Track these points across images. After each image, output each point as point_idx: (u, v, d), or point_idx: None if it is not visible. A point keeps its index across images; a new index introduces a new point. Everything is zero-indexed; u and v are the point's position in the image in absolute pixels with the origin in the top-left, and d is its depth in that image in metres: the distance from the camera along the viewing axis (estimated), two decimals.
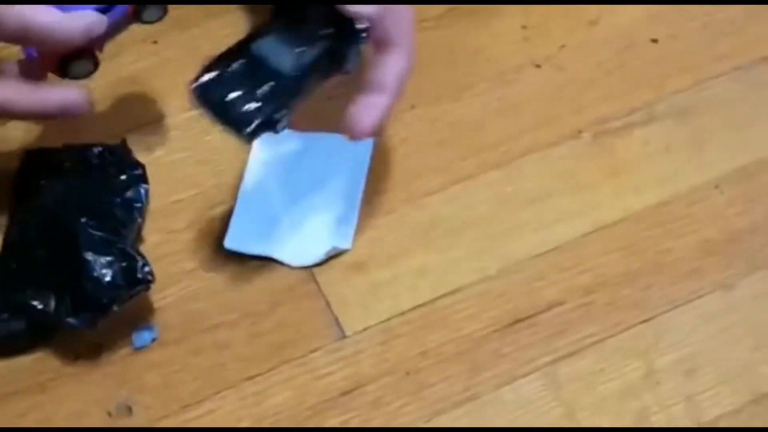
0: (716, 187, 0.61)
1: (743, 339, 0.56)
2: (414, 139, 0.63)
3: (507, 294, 0.57)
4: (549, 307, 0.57)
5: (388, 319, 0.57)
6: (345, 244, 0.59)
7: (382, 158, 0.62)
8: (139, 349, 0.56)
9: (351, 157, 0.61)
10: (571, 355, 0.55)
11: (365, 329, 0.56)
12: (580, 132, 0.63)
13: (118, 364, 0.55)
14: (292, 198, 0.60)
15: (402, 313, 0.57)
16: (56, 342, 0.56)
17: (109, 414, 0.54)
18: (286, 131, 0.54)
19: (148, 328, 0.56)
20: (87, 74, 0.57)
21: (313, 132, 0.62)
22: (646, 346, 0.56)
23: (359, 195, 0.60)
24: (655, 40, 0.66)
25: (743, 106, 0.63)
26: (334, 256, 0.58)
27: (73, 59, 0.56)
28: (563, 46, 0.66)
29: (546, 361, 0.55)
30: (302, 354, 0.55)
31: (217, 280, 0.58)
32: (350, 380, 0.55)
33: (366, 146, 0.61)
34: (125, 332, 0.56)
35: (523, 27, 0.67)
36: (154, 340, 0.56)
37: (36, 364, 0.55)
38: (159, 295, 0.57)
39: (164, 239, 0.59)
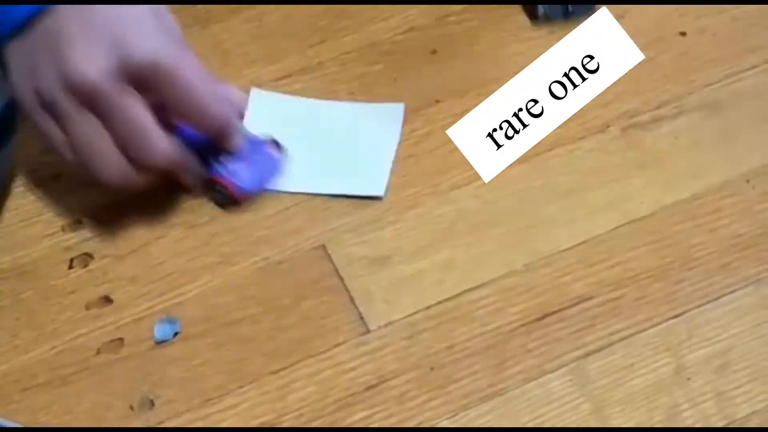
0: (747, 181, 0.60)
1: None
2: (438, 134, 0.62)
3: (534, 288, 0.56)
4: (577, 302, 0.56)
5: (413, 314, 0.56)
6: (378, 190, 0.59)
7: (406, 153, 0.61)
8: (161, 343, 0.55)
9: (383, 118, 0.62)
10: (600, 350, 0.54)
11: (389, 324, 0.55)
12: (607, 126, 0.62)
13: (140, 358, 0.55)
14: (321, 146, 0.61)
15: (427, 308, 0.56)
16: (77, 336, 0.55)
17: (132, 407, 0.53)
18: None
19: (171, 321, 0.56)
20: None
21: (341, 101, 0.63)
22: (677, 342, 0.54)
23: (392, 153, 0.61)
24: (683, 33, 0.65)
25: None
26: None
27: None
28: None
29: (574, 357, 0.54)
30: (326, 348, 0.55)
31: (240, 274, 0.57)
32: (375, 375, 0.54)
33: (397, 109, 0.62)
34: (147, 326, 0.56)
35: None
36: (176, 334, 0.55)
37: (57, 358, 0.55)
38: (182, 290, 0.57)
39: (187, 234, 0.59)
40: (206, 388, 0.54)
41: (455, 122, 0.62)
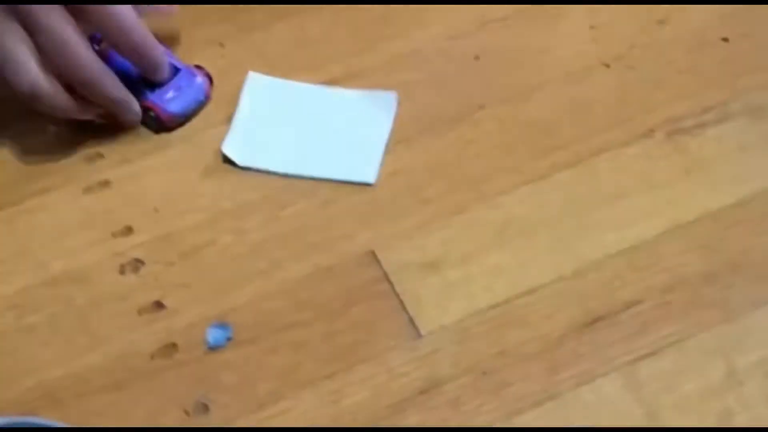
0: None
1: None
2: (483, 140, 0.62)
3: (584, 294, 0.57)
4: (627, 307, 0.56)
5: (464, 319, 0.56)
6: (370, 177, 0.61)
7: (451, 158, 0.62)
8: (214, 349, 0.56)
9: (377, 106, 0.63)
10: (651, 354, 0.55)
11: (440, 328, 0.56)
12: (652, 131, 0.62)
13: (193, 363, 0.55)
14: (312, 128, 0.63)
15: (478, 313, 0.56)
16: (130, 341, 0.56)
17: (186, 412, 0.54)
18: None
19: (223, 327, 0.56)
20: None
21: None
22: (728, 347, 0.55)
23: (384, 141, 0.62)
24: (726, 39, 0.66)
25: None
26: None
27: None
28: (633, 46, 0.66)
29: (625, 361, 0.54)
30: (378, 353, 0.55)
31: (290, 279, 0.58)
32: (427, 380, 0.54)
33: (390, 97, 0.63)
34: (200, 332, 0.56)
35: (591, 27, 0.67)
36: (229, 339, 0.56)
37: (111, 363, 0.55)
38: (233, 295, 0.57)
39: (236, 240, 0.59)
40: (260, 393, 0.54)
41: (500, 128, 0.63)
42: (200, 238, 0.59)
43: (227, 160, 0.62)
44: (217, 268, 0.58)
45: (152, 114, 0.63)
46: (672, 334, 0.55)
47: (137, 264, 0.59)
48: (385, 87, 0.64)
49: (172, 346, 0.56)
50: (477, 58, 0.66)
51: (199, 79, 0.64)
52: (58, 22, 0.58)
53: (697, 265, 0.57)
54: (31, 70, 0.58)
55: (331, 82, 0.65)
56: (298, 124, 0.63)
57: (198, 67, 0.65)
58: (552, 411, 0.53)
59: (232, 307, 0.57)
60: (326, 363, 0.55)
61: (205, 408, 0.54)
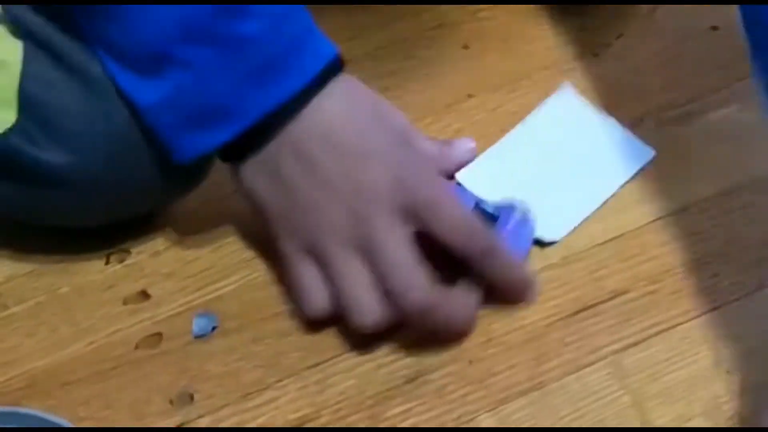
0: None
1: None
2: (471, 129, 0.62)
3: (570, 282, 0.56)
4: (614, 296, 0.56)
5: None
6: (555, 236, 0.57)
7: None
8: (199, 338, 0.55)
9: (625, 154, 0.60)
10: (637, 343, 0.54)
11: None
12: (641, 120, 0.62)
13: (178, 352, 0.55)
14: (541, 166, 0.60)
15: None
16: (115, 331, 0.56)
17: (171, 402, 0.53)
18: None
19: (208, 316, 0.56)
20: None
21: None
22: (715, 335, 0.54)
23: (604, 197, 0.59)
24: (715, 28, 0.65)
25: None
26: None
27: None
28: (621, 35, 0.66)
29: (612, 350, 0.54)
30: (364, 342, 0.55)
31: (276, 269, 0.57)
32: (413, 369, 0.54)
33: (646, 153, 0.60)
34: (185, 321, 0.56)
35: (579, 15, 0.67)
36: (214, 328, 0.56)
37: (96, 353, 0.55)
38: (219, 284, 0.57)
39: (223, 230, 0.59)
40: (245, 383, 0.54)
41: (488, 117, 0.63)
42: (186, 229, 0.59)
43: None
44: (203, 258, 0.58)
45: None
46: (658, 323, 0.55)
47: (123, 254, 0.58)
48: (375, 76, 0.62)
49: (158, 336, 0.56)
50: (466, 47, 0.65)
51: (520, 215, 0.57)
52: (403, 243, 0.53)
53: (683, 254, 0.57)
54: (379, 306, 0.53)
55: None
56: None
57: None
58: (538, 400, 0.53)
59: (218, 296, 0.57)
60: (311, 352, 0.55)
61: (190, 398, 0.54)
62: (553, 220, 0.58)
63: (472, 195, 0.58)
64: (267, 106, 0.52)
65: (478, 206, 0.57)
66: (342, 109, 0.54)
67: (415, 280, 0.52)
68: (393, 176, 0.53)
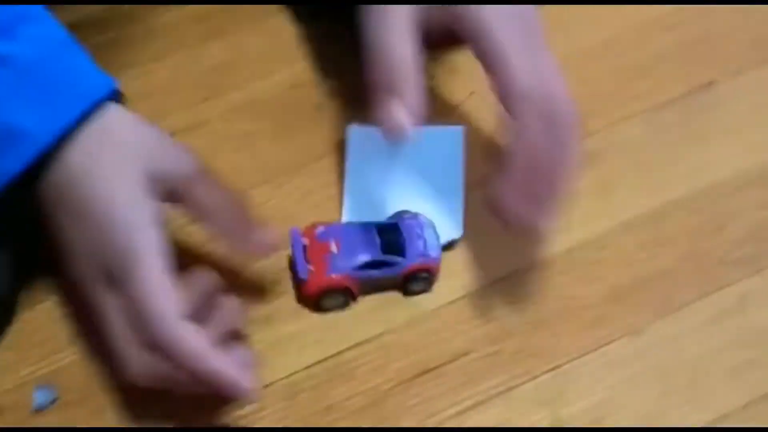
0: (626, 230, 0.61)
1: (651, 385, 0.56)
2: (321, 192, 0.62)
3: (413, 345, 0.57)
4: (456, 357, 0.56)
5: (293, 374, 0.56)
6: (456, 233, 0.59)
7: (294, 210, 0.62)
8: (39, 411, 0.55)
9: (444, 146, 0.62)
10: (477, 405, 0.55)
11: (269, 385, 0.55)
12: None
13: (19, 426, 0.54)
14: (396, 193, 0.61)
15: (307, 368, 0.56)
16: None
17: None
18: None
19: (48, 388, 0.55)
20: (340, 307, 0.57)
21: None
22: (553, 395, 0.55)
23: (461, 182, 0.61)
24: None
25: (649, 149, 0.64)
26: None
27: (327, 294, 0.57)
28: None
29: (453, 413, 0.55)
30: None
31: None
32: None
33: (457, 133, 0.62)
34: (27, 393, 0.55)
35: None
36: (54, 400, 0.55)
37: None
38: (58, 356, 0.56)
39: (64, 300, 0.58)
40: None
41: (341, 178, 0.63)
42: (29, 299, 0.58)
43: None
44: (42, 329, 0.57)
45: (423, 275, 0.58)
46: (499, 384, 0.55)
47: None
48: (226, 137, 0.64)
49: None
50: (319, 107, 0.66)
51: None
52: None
53: (525, 313, 0.58)
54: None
55: (172, 132, 0.63)
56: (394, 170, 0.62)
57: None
58: None
59: (58, 368, 0.56)
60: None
61: None
62: (443, 221, 0.59)
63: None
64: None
65: (383, 225, 0.58)
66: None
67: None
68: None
